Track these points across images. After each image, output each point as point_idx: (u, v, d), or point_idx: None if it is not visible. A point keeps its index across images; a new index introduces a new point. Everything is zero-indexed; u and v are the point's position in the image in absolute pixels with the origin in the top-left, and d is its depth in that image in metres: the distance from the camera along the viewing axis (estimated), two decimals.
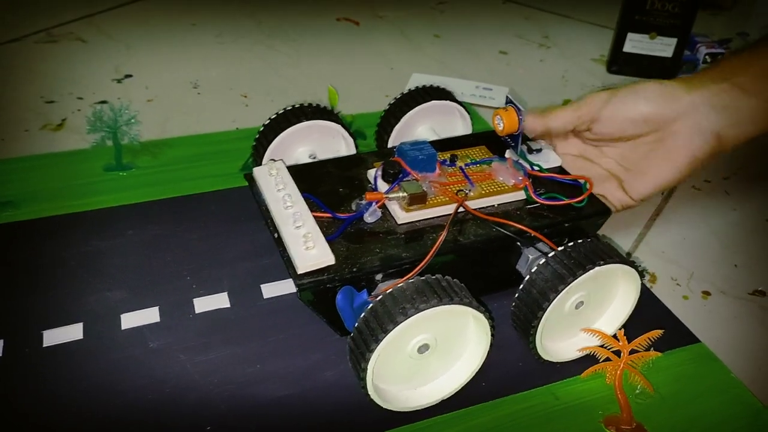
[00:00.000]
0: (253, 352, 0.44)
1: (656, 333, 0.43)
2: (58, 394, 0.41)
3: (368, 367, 0.37)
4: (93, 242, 0.52)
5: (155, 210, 0.56)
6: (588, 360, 0.44)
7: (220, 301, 0.48)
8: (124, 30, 0.89)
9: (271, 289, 0.49)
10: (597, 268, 0.40)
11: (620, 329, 0.44)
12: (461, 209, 0.44)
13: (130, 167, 0.60)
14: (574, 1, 1.08)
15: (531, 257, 0.44)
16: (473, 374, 0.42)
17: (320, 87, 0.52)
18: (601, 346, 0.44)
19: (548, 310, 0.40)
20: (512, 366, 0.44)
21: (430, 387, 0.42)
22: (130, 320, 0.46)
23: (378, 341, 0.36)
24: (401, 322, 0.36)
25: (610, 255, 0.41)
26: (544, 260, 0.41)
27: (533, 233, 0.43)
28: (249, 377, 0.43)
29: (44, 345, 0.44)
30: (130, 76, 0.77)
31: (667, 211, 0.60)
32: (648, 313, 0.48)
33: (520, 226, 0.44)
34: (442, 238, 0.41)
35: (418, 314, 0.36)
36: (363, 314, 0.38)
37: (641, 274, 0.43)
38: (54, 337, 0.44)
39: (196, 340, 0.45)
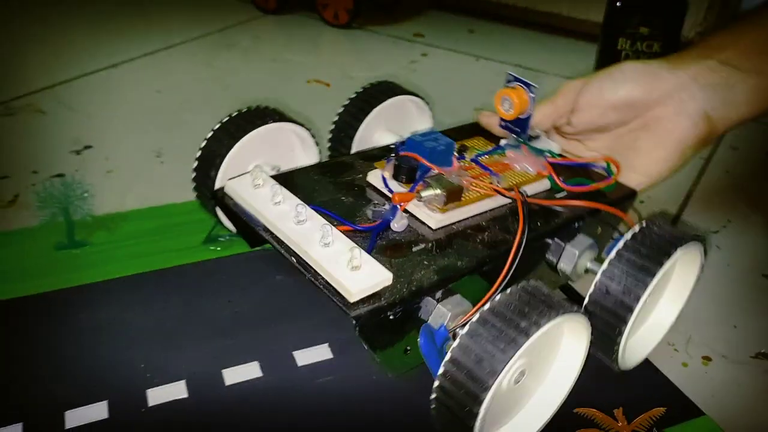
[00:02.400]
0: None
1: (658, 411, 0.40)
2: None
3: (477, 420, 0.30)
4: (38, 329, 0.47)
5: (110, 290, 0.51)
6: None
7: (176, 391, 0.43)
8: (86, 100, 0.86)
9: (234, 375, 0.44)
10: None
11: (620, 408, 0.40)
12: (504, 201, 0.39)
13: (84, 244, 0.56)
14: (547, 55, 1.07)
15: (577, 252, 0.39)
16: (575, 380, 0.36)
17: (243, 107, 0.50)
18: (599, 427, 0.40)
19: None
20: None
21: (527, 412, 0.36)
22: (75, 418, 0.41)
23: (484, 397, 0.29)
24: (523, 344, 0.29)
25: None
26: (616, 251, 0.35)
27: (609, 209, 0.39)
28: None
29: None
30: (90, 147, 0.74)
31: None
32: (647, 384, 0.44)
33: (590, 204, 0.39)
34: (519, 234, 0.35)
35: (537, 331, 0.29)
36: (446, 359, 0.30)
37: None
38: None
39: None
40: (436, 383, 0.31)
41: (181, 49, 1.05)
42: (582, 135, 0.45)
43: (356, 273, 0.33)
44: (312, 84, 0.93)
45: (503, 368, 0.29)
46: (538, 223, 0.39)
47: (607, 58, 0.79)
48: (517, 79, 0.42)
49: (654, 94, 0.40)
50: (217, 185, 0.45)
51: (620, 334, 0.36)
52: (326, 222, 0.36)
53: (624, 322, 0.35)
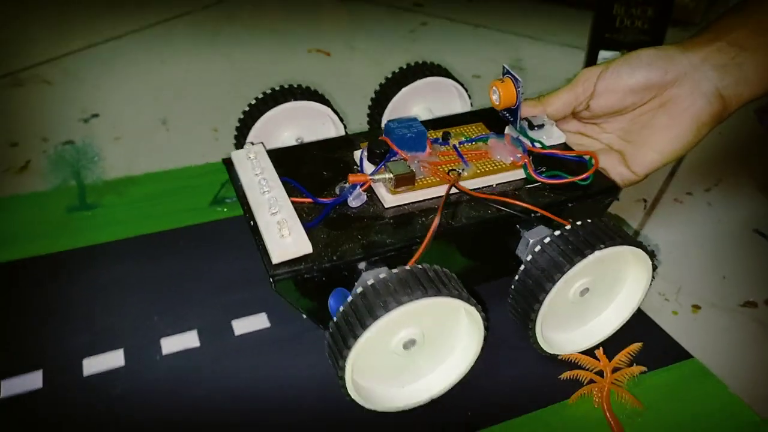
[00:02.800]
0: (228, 393, 0.42)
1: (636, 347, 0.42)
2: None
3: (346, 364, 0.34)
4: (55, 286, 0.49)
5: (122, 249, 0.53)
6: (575, 383, 0.42)
7: (189, 340, 0.45)
8: (92, 70, 0.87)
9: (242, 325, 0.46)
10: (599, 252, 0.37)
11: (599, 348, 0.43)
12: (455, 190, 0.41)
13: (95, 206, 0.58)
14: (544, 23, 1.08)
15: (531, 241, 0.41)
16: (466, 372, 0.40)
17: (286, 84, 0.51)
18: (582, 368, 0.42)
19: (547, 300, 0.37)
20: (498, 393, 0.42)
21: (418, 385, 0.39)
22: (93, 365, 0.43)
23: (356, 337, 0.34)
24: (381, 316, 0.33)
25: (615, 236, 0.38)
26: (534, 253, 0.38)
27: (539, 211, 0.40)
28: (225, 419, 0.40)
29: (1, 395, 0.41)
30: (97, 115, 0.76)
31: (650, 225, 0.59)
32: (637, 330, 0.46)
33: (521, 204, 0.40)
34: (437, 221, 0.38)
35: (400, 308, 0.34)
36: (341, 307, 0.35)
37: (652, 255, 0.41)
38: (11, 386, 0.41)
39: (164, 384, 0.42)
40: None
41: (183, 21, 1.06)
42: (600, 119, 0.46)
43: (283, 240, 0.37)
44: (313, 53, 0.95)
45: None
46: (477, 212, 0.41)
47: (602, 25, 0.80)
48: (508, 73, 0.44)
49: (669, 75, 0.42)
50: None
51: (534, 320, 0.39)
52: (282, 194, 0.40)
53: (534, 311, 0.39)
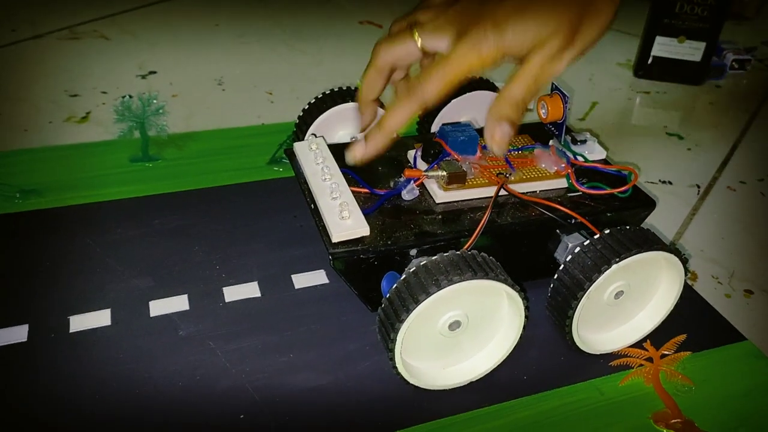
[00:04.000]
0: (285, 341, 0.43)
1: (681, 338, 0.44)
2: (85, 379, 0.39)
3: (397, 338, 0.36)
4: (119, 231, 0.51)
5: (181, 201, 0.55)
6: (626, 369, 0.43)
7: (250, 290, 0.46)
8: (147, 29, 0.88)
9: (301, 280, 0.48)
10: (636, 256, 0.38)
11: (647, 340, 0.44)
12: (503, 192, 0.43)
13: (156, 159, 0.59)
14: None
15: (570, 245, 0.43)
16: (505, 356, 0.41)
17: (345, 85, 0.52)
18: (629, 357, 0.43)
19: (584, 299, 0.39)
20: (554, 360, 0.43)
21: (460, 367, 0.41)
22: (158, 307, 0.44)
23: (409, 311, 0.35)
24: (434, 293, 0.35)
25: (651, 242, 0.40)
26: (573, 253, 0.40)
27: (578, 218, 0.42)
28: (281, 366, 0.41)
29: (71, 330, 0.42)
30: (154, 72, 0.77)
31: (703, 210, 0.59)
32: (691, 310, 0.46)
33: (564, 209, 0.42)
34: (487, 215, 0.41)
35: (451, 287, 0.35)
36: (395, 284, 0.37)
37: (685, 263, 0.42)
38: (81, 322, 0.43)
39: (227, 328, 0.43)
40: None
41: None
42: None
43: (343, 221, 0.40)
44: (365, 25, 0.95)
45: (423, 299, 0.35)
46: (522, 213, 0.43)
47: (661, 10, 0.79)
48: (557, 89, 0.46)
49: None
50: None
51: (570, 318, 0.40)
52: (342, 182, 0.43)
53: (571, 309, 0.39)
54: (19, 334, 0.42)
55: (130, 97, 0.58)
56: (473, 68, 0.39)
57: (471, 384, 0.41)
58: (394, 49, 0.43)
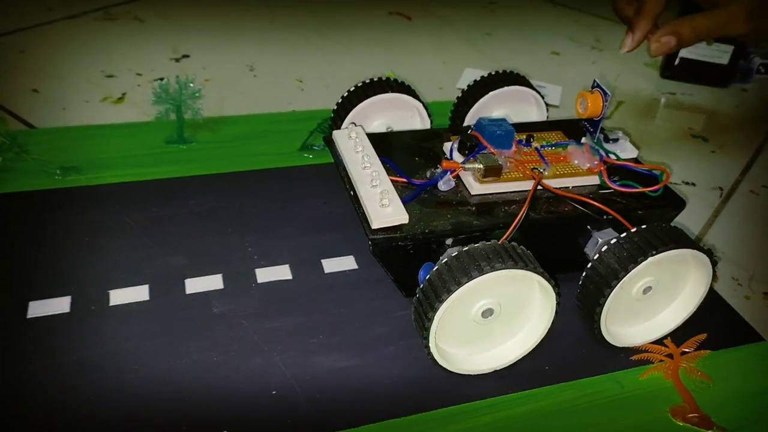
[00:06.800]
0: (315, 323, 0.44)
1: (701, 336, 0.45)
2: (123, 351, 0.41)
3: (435, 317, 0.37)
4: (155, 210, 0.52)
5: (215, 183, 0.56)
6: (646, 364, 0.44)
7: (282, 272, 0.48)
8: (180, 13, 0.90)
9: (332, 264, 0.49)
10: (671, 252, 0.39)
11: (668, 337, 0.45)
12: (539, 187, 0.44)
13: (190, 141, 0.61)
14: None
15: (600, 240, 0.44)
16: (533, 347, 0.42)
17: (374, 74, 0.53)
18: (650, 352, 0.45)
19: (617, 288, 0.40)
20: (576, 352, 0.44)
21: (488, 354, 0.42)
22: (194, 285, 0.46)
23: (450, 292, 0.36)
24: (475, 277, 0.36)
25: (686, 241, 0.41)
26: (609, 244, 0.41)
27: (613, 213, 0.43)
28: (311, 347, 0.43)
29: (111, 304, 0.44)
30: (188, 56, 0.78)
31: (726, 213, 0.60)
32: (712, 310, 0.47)
33: (599, 205, 0.43)
34: (525, 209, 0.42)
35: (492, 273, 0.36)
36: (433, 269, 0.38)
37: (714, 262, 0.43)
38: (120, 296, 0.45)
39: (259, 308, 0.45)
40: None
41: None
42: None
43: (383, 209, 0.41)
44: (393, 16, 0.96)
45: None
46: (555, 208, 0.44)
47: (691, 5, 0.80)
48: (598, 86, 0.47)
49: None
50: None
51: (599, 313, 0.41)
52: (381, 170, 0.44)
53: (600, 305, 0.41)
54: (62, 305, 0.43)
55: (167, 80, 0.59)
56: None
57: (495, 371, 0.42)
58: None
